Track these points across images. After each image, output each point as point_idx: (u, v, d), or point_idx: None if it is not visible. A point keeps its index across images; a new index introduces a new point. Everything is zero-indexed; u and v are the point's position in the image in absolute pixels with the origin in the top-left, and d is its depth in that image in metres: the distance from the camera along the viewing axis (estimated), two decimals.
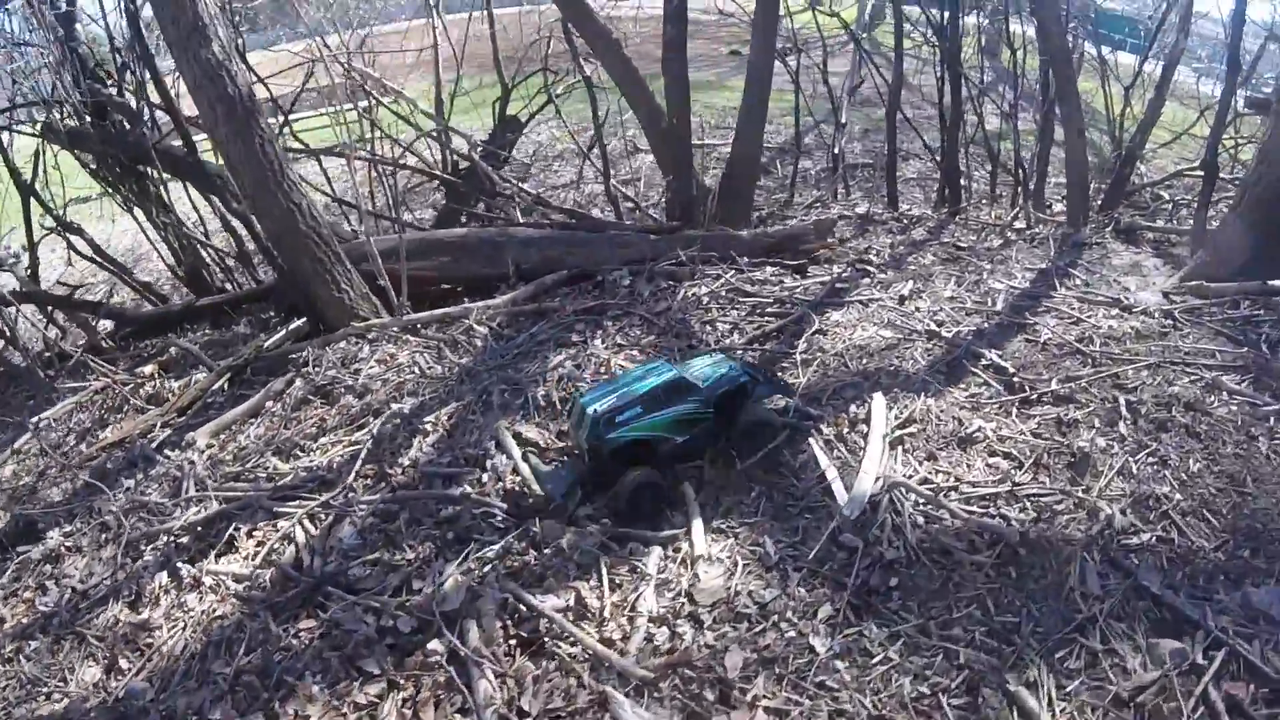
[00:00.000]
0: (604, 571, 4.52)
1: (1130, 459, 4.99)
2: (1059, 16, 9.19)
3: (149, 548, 5.12)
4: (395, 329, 7.51)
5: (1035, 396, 5.71)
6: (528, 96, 12.31)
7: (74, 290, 10.15)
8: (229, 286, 10.49)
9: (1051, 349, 6.43)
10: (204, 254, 10.83)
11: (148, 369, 7.74)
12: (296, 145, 11.19)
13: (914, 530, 4.47)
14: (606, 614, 4.30)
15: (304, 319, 7.90)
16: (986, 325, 6.90)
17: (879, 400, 5.62)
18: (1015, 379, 5.94)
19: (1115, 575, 4.16)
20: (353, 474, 5.38)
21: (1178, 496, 4.68)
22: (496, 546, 4.75)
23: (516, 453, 5.63)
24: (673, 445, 4.83)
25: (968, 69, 12.23)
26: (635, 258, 8.18)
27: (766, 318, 7.22)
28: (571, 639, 4.12)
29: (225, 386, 7.21)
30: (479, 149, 11.60)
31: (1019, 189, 11.33)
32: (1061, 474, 4.97)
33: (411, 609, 4.33)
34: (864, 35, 14.40)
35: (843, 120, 13.23)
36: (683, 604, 4.30)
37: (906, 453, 5.20)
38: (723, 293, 7.66)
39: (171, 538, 5.13)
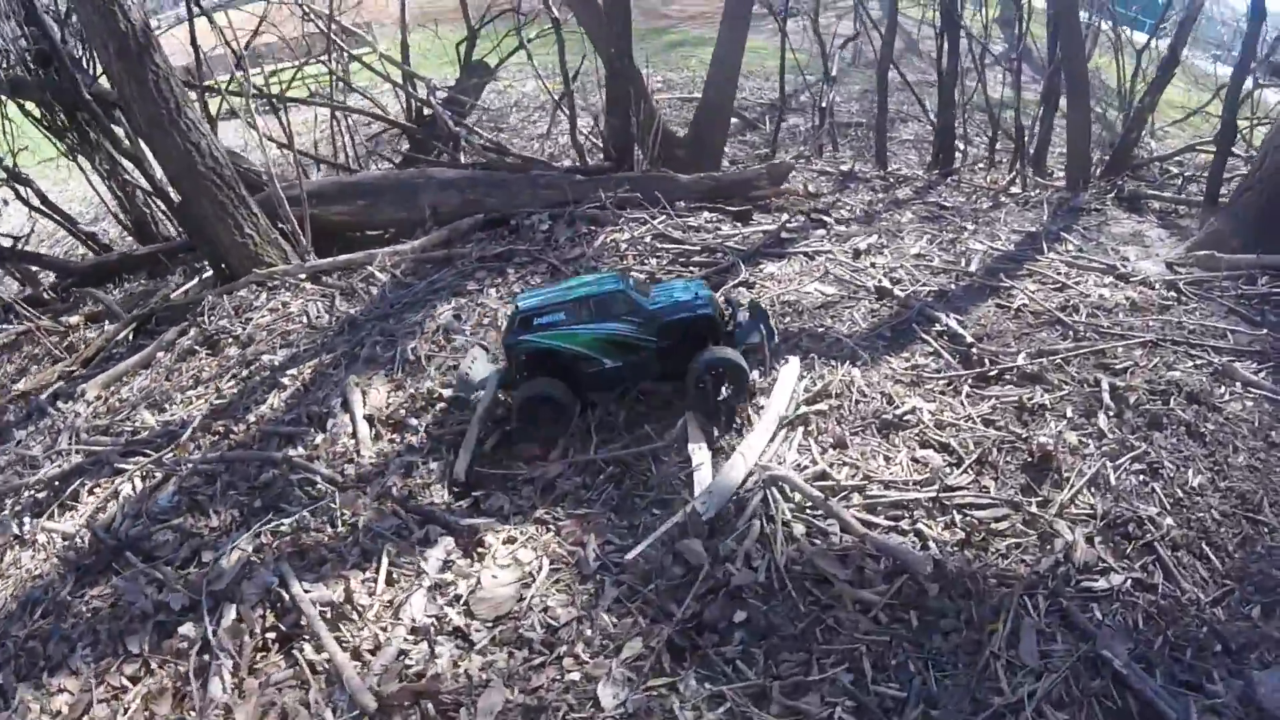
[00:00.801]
0: (384, 562, 3.31)
1: (1108, 464, 3.45)
2: None
3: (11, 502, 4.58)
4: (300, 276, 6.35)
5: (995, 373, 4.19)
6: (497, 39, 10.80)
7: (17, 241, 9.08)
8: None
9: (1026, 317, 4.87)
10: (150, 203, 9.72)
11: (73, 319, 7.12)
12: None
13: (786, 546, 2.98)
14: (373, 615, 3.10)
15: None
16: (953, 287, 5.33)
17: (792, 366, 4.10)
18: (974, 350, 4.41)
19: (1065, 637, 2.64)
20: (189, 431, 4.62)
21: (1168, 522, 3.13)
22: (290, 520, 3.68)
23: (360, 412, 4.44)
24: (599, 369, 3.91)
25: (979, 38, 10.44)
26: (558, 200, 6.71)
27: (690, 268, 5.68)
28: (318, 643, 3.00)
29: (131, 337, 6.54)
30: (436, 94, 10.07)
31: (1018, 154, 9.51)
32: (1013, 478, 3.44)
33: (189, 584, 3.40)
34: None
35: (833, 73, 11.38)
36: (452, 616, 2.94)
37: (809, 436, 3.68)
38: (646, 239, 6.13)
39: (31, 493, 4.58)
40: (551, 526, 3.33)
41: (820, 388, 3.96)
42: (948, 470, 3.47)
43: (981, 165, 10.55)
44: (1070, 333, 4.59)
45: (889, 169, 10.36)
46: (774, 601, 2.78)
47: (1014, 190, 8.77)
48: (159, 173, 6.69)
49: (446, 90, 10.54)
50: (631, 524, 3.27)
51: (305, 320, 5.81)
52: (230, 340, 5.69)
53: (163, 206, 9.47)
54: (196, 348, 5.73)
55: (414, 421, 4.36)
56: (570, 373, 3.90)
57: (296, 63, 10.43)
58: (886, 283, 5.27)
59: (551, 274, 5.84)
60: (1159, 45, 9.87)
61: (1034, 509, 3.21)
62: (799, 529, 3.06)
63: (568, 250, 6.18)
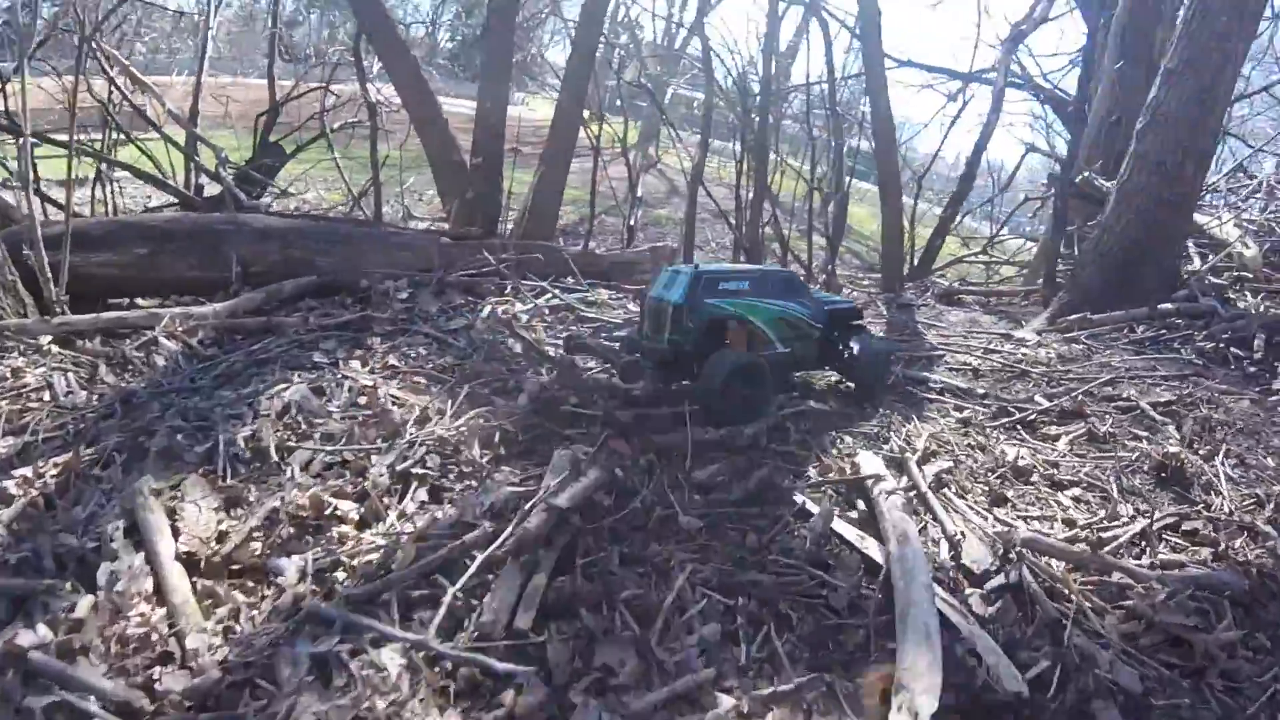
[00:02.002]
0: None
1: (1217, 464, 3.25)
2: (884, 84, 8.31)
3: None
4: (42, 337, 3.95)
5: (1032, 418, 3.78)
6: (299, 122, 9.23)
7: None
8: None
9: (988, 375, 4.65)
10: None
11: None
12: None
13: (1098, 620, 1.95)
14: None
15: None
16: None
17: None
18: (987, 400, 4.01)
19: None
20: None
21: None
22: None
23: (166, 548, 2.48)
24: (771, 352, 3.42)
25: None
26: (419, 265, 5.19)
27: None
28: None
29: None
30: (226, 166, 7.99)
31: (810, 275, 10.19)
32: (1162, 496, 3.04)
33: None
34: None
35: (639, 194, 11.49)
36: None
37: (962, 496, 2.72)
38: (547, 311, 4.90)
39: None
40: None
41: (925, 447, 3.09)
42: (1113, 504, 2.84)
43: None
44: (1044, 381, 4.50)
45: None
46: (1153, 689, 1.71)
47: None
48: None
49: (233, 165, 8.56)
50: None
51: (49, 396, 3.55)
52: None
53: None
54: None
55: (287, 565, 2.46)
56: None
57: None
58: None
59: (435, 345, 4.31)
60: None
61: (1210, 514, 2.85)
62: (1093, 596, 2.05)
63: (445, 323, 4.69)
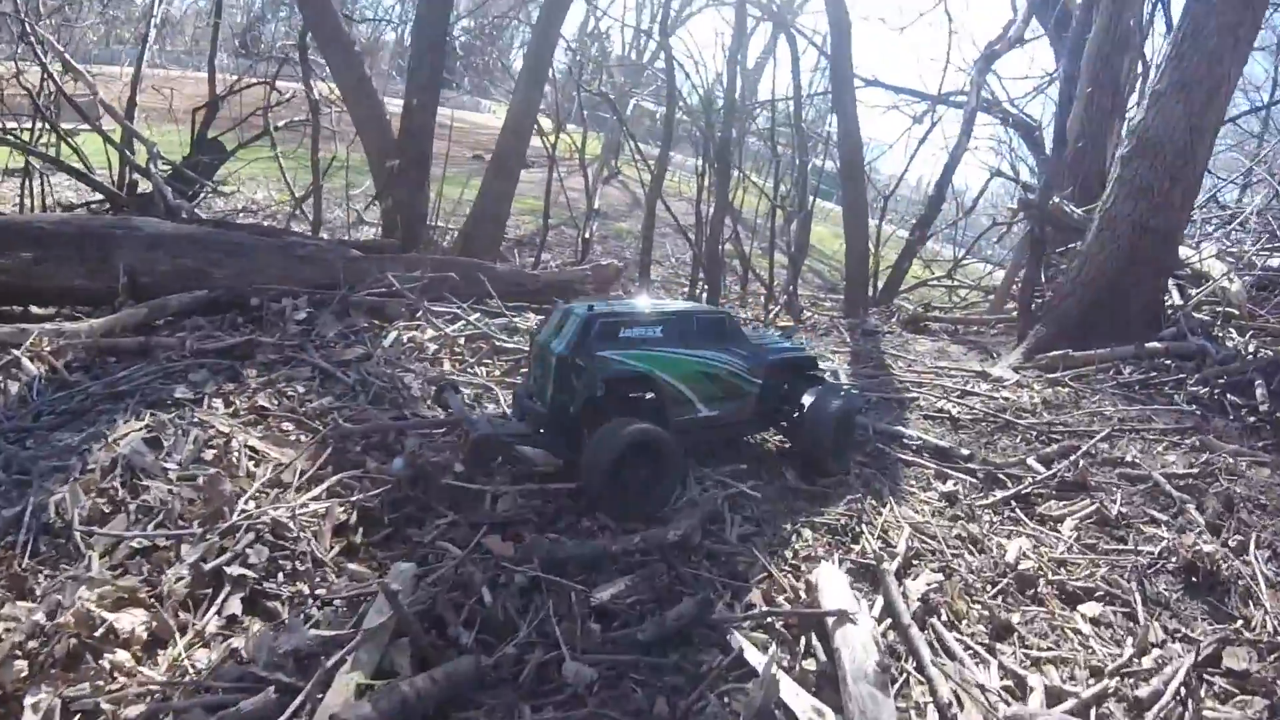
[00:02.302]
0: None
1: (1249, 557, 2.62)
2: (852, 94, 7.73)
3: None
4: None
5: (1028, 491, 3.09)
6: (241, 117, 8.47)
7: None
8: None
9: (969, 425, 4.03)
10: None
11: None
12: None
13: None
14: None
15: None
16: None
17: (827, 570, 2.43)
18: (974, 464, 3.40)
19: None
20: None
21: None
22: None
23: None
24: (689, 417, 2.65)
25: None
26: (324, 281, 4.41)
27: None
28: None
29: None
30: (158, 161, 7.11)
31: (771, 294, 9.58)
32: (1194, 609, 2.39)
33: None
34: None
35: (595, 206, 10.79)
36: None
37: (955, 626, 2.05)
38: (461, 341, 4.13)
39: None
40: None
41: (905, 548, 2.40)
42: (1140, 626, 2.16)
43: (736, 303, 10.53)
44: (1033, 434, 3.92)
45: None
46: None
47: (782, 323, 8.63)
48: None
49: (171, 164, 7.77)
50: None
51: None
52: None
53: None
54: None
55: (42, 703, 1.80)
56: (656, 417, 2.53)
57: None
58: None
59: (319, 382, 3.52)
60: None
61: (1253, 633, 2.24)
62: None
63: (341, 350, 3.89)
